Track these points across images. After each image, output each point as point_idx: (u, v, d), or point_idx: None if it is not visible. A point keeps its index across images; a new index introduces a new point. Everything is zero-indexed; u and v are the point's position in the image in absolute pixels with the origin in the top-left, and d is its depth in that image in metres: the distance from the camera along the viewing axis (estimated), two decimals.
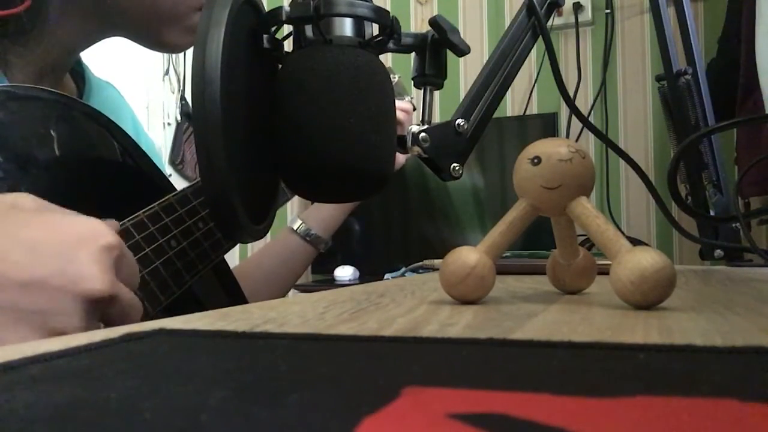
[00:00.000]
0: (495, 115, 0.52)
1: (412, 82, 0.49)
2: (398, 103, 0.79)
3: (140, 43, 0.62)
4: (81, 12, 0.57)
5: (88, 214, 0.36)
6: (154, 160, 0.56)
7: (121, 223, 0.44)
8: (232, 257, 1.98)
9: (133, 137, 0.54)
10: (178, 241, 0.49)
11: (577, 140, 2.01)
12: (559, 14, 2.12)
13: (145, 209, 0.47)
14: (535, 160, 0.32)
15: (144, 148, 0.55)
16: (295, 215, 0.86)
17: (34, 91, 0.46)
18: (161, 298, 0.46)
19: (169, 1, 0.59)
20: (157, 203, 0.48)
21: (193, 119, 0.38)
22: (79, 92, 0.65)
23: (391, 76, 0.85)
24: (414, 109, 0.86)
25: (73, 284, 0.32)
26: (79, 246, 0.33)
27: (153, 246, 0.46)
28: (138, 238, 0.45)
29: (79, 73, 0.67)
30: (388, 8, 1.85)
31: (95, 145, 0.51)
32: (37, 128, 0.45)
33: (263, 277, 0.81)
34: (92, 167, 0.50)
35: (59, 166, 0.46)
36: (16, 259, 0.32)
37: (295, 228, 0.83)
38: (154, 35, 0.61)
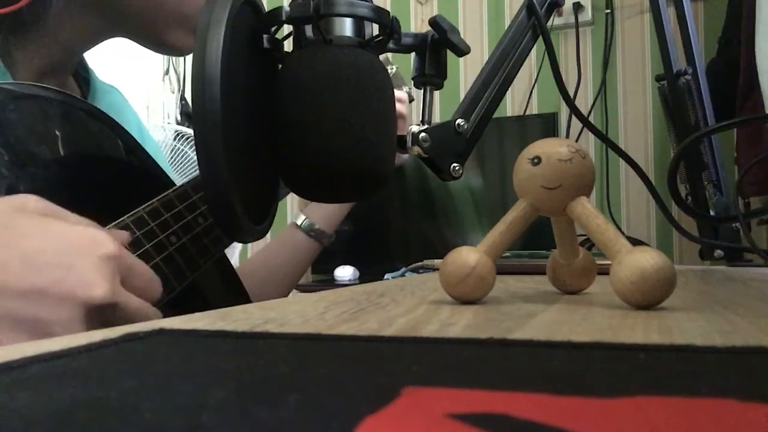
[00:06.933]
0: (495, 115, 0.52)
1: (412, 82, 0.49)
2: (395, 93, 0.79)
3: (143, 45, 0.62)
4: (85, 10, 0.57)
5: (93, 212, 0.36)
6: (159, 162, 0.56)
7: (120, 219, 0.44)
8: (233, 257, 1.98)
9: (138, 140, 0.54)
10: (179, 237, 0.49)
11: (577, 140, 2.01)
12: (559, 14, 2.12)
13: (145, 205, 0.47)
14: (535, 160, 0.32)
15: (149, 151, 0.55)
16: (297, 211, 0.85)
17: (37, 90, 0.46)
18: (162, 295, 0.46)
19: (174, 1, 0.58)
20: (156, 199, 0.48)
21: (193, 119, 0.38)
22: (82, 96, 0.65)
23: (388, 67, 0.85)
24: (411, 100, 0.86)
25: (72, 292, 0.32)
26: (78, 255, 0.33)
27: (153, 242, 0.46)
28: (138, 234, 0.45)
29: (84, 77, 0.67)
30: (388, 8, 1.85)
31: (100, 142, 0.51)
32: (41, 126, 0.45)
33: (269, 275, 0.81)
34: (97, 165, 0.50)
35: (64, 165, 0.46)
36: (15, 268, 0.32)
37: (298, 224, 0.82)
38: (158, 36, 0.60)
